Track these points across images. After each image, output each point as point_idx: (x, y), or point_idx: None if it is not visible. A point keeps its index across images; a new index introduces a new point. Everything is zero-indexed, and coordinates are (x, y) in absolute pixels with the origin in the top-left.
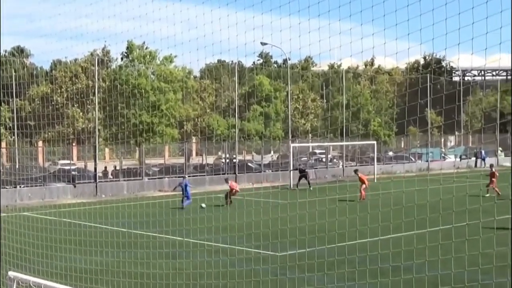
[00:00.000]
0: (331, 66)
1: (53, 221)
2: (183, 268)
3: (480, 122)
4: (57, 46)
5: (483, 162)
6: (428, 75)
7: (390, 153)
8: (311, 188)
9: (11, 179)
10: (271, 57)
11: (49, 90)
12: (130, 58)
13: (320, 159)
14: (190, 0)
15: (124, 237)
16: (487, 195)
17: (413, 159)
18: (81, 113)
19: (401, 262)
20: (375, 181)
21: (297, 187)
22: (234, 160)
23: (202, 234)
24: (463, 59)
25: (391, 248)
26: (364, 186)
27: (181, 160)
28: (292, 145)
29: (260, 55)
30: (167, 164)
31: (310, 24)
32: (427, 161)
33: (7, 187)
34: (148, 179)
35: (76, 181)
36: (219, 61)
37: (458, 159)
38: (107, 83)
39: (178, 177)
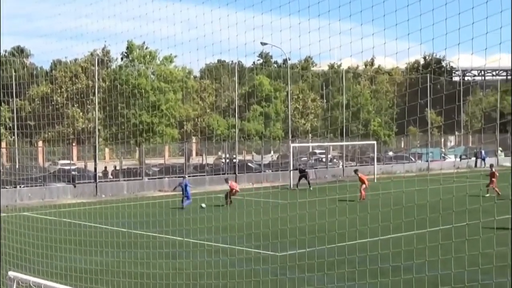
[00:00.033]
0: (331, 66)
1: (53, 221)
2: (183, 268)
3: (480, 122)
4: (57, 46)
5: (483, 162)
6: (428, 75)
7: (390, 153)
8: (311, 188)
9: (11, 179)
10: (271, 57)
11: (49, 90)
12: (130, 58)
13: (320, 159)
14: (190, 0)
15: (124, 237)
16: (487, 195)
17: (413, 159)
18: (81, 113)
19: (401, 262)
20: (375, 181)
21: (297, 187)
22: (234, 160)
23: (202, 234)
24: (463, 59)
25: (391, 248)
26: (364, 186)
27: (181, 160)
28: (292, 145)
29: (260, 55)
30: (167, 164)
31: (310, 24)
32: (427, 161)
33: (7, 187)
34: (148, 179)
35: (76, 181)
36: (219, 61)
37: (458, 159)
38: (107, 83)
39: (178, 177)
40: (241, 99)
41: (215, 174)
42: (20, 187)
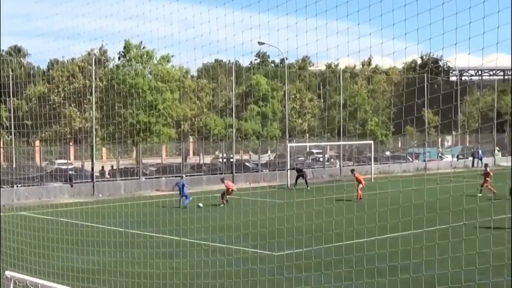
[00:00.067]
0: (328, 66)
1: (50, 220)
2: (180, 268)
3: (477, 122)
4: (54, 45)
5: (480, 162)
6: (425, 74)
7: (387, 153)
8: (308, 188)
9: (8, 179)
10: (268, 56)
11: (46, 90)
12: (127, 58)
13: (317, 158)
14: None
15: (121, 237)
16: (479, 195)
17: (410, 159)
18: (78, 113)
19: (398, 261)
20: (372, 180)
21: (294, 186)
22: (231, 160)
23: (199, 233)
24: (460, 59)
25: (388, 248)
26: (361, 185)
27: (178, 160)
28: (289, 144)
29: (257, 55)
30: (164, 163)
31: (307, 24)
32: (424, 160)
33: (4, 186)
34: (145, 178)
35: (73, 181)
36: (216, 60)
37: (455, 159)
38: (104, 82)
39: (175, 176)
40: (238, 98)
41: (212, 174)
42: (17, 186)
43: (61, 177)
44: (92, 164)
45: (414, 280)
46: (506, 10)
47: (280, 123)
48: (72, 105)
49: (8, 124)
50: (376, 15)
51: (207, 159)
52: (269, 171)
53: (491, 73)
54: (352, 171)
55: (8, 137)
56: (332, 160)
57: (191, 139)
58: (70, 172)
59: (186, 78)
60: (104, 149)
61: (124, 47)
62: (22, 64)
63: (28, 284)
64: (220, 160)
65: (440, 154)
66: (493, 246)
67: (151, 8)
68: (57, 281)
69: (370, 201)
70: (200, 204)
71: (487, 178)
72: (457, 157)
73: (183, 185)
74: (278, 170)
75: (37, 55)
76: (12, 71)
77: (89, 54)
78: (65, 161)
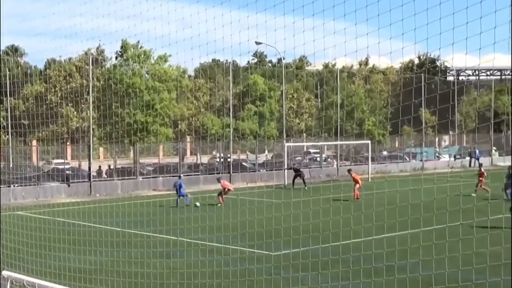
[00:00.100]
0: (326, 66)
1: (47, 220)
2: (177, 268)
3: (474, 122)
4: (51, 45)
5: (477, 162)
6: (422, 74)
7: (385, 153)
8: (306, 188)
9: (5, 178)
10: (266, 56)
11: (43, 89)
12: (125, 57)
13: (314, 158)
14: None
15: (118, 237)
16: (473, 195)
17: (407, 159)
18: (75, 112)
19: (395, 261)
20: (369, 180)
21: (292, 186)
22: (229, 160)
23: (196, 233)
24: (457, 59)
25: (385, 248)
26: (358, 185)
27: (176, 160)
28: (286, 144)
29: (255, 55)
30: (162, 163)
31: (304, 24)
32: (421, 160)
33: (1, 186)
34: (143, 178)
35: (70, 180)
36: (213, 60)
37: (452, 159)
38: (101, 82)
39: (173, 176)
40: (236, 98)
41: (209, 174)
42: (14, 186)
43: (58, 176)
44: (89, 163)
45: (411, 280)
46: (503, 10)
47: (278, 123)
48: (69, 104)
49: (5, 124)
50: (373, 15)
51: (204, 159)
52: (266, 170)
53: (488, 73)
54: (349, 171)
55: (5, 136)
56: (329, 160)
57: (188, 138)
58: (67, 171)
59: (183, 77)
60: (101, 149)
61: (121, 47)
62: (19, 64)
63: (25, 283)
64: (218, 159)
65: (437, 154)
66: (490, 246)
67: (148, 7)
68: (54, 281)
69: (367, 201)
70: (197, 204)
71: (481, 178)
72: (454, 157)
73: (180, 185)
74: (275, 169)
75: (34, 55)
76: (9, 70)
77: (86, 53)
78: (62, 160)
